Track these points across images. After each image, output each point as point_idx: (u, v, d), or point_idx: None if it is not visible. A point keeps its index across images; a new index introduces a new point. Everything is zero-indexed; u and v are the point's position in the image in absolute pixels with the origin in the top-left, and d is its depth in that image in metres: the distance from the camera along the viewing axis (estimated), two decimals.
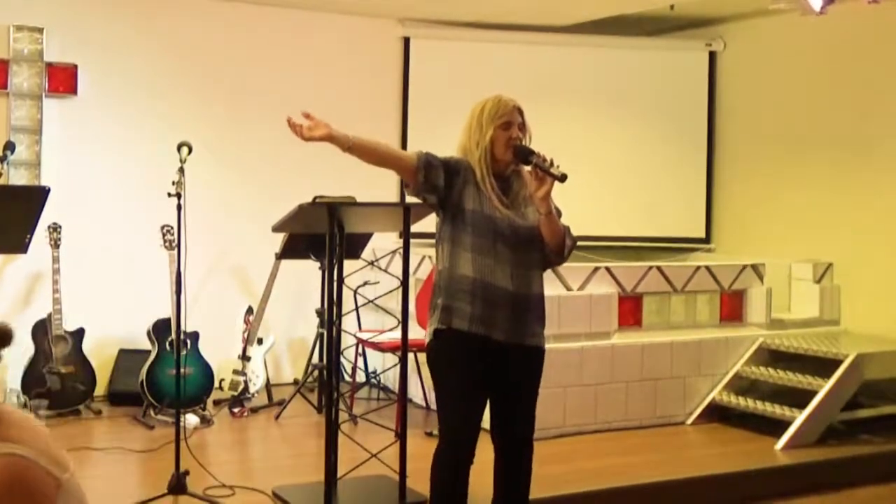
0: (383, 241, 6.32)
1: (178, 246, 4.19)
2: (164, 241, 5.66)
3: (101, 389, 5.89)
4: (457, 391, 3.41)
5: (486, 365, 3.40)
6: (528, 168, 3.42)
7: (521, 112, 3.45)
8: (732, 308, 6.15)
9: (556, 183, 3.31)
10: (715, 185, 7.44)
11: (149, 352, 5.65)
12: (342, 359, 5.71)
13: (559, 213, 3.47)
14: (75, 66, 6.07)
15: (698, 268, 6.08)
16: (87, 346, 5.74)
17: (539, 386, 3.55)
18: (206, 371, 5.71)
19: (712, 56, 7.44)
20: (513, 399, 3.49)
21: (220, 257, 6.48)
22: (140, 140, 6.26)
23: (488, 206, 3.38)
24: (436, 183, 3.37)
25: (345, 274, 4.21)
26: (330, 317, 4.13)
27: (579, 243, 3.60)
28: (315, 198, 4.16)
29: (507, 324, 3.38)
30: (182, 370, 4.37)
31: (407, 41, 7.12)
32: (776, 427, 5.40)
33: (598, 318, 5.62)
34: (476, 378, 3.40)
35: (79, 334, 5.69)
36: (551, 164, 3.32)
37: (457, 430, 3.40)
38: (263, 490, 4.29)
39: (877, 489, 5.00)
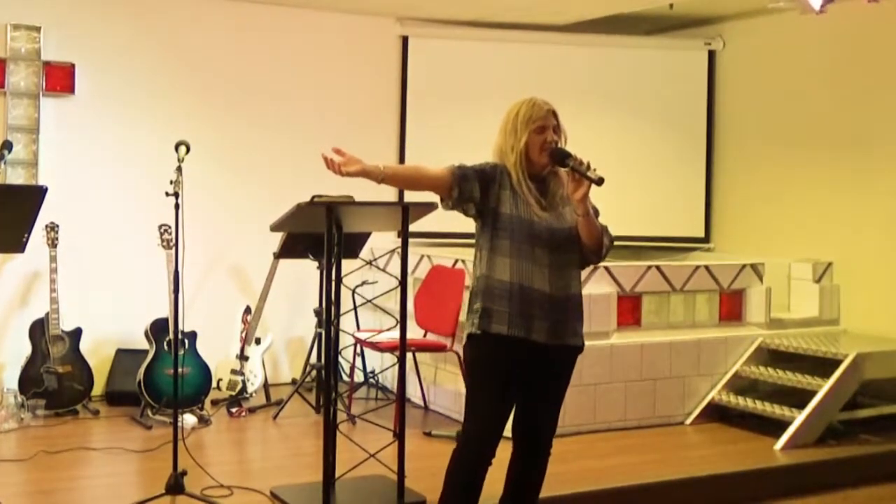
0: (382, 241, 6.31)
1: (176, 245, 4.20)
2: (162, 241, 5.64)
3: (98, 389, 5.89)
4: (490, 394, 3.42)
5: (524, 367, 3.41)
6: (564, 169, 3.42)
7: (555, 115, 3.47)
8: (732, 308, 6.13)
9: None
10: (714, 184, 7.43)
11: (146, 351, 5.64)
12: (340, 359, 5.71)
13: (597, 213, 3.49)
14: (73, 65, 6.06)
15: (697, 267, 6.07)
16: (85, 346, 5.73)
17: (567, 387, 3.56)
18: (204, 371, 5.69)
19: (711, 55, 7.43)
20: (543, 400, 3.51)
21: (217, 257, 6.47)
22: (138, 139, 6.25)
23: (525, 209, 3.38)
24: (472, 195, 3.38)
25: (343, 273, 4.20)
26: (328, 316, 4.11)
27: None
28: (313, 197, 4.15)
29: (546, 326, 3.38)
30: (180, 370, 4.36)
31: (405, 40, 7.11)
32: (775, 427, 5.39)
33: (597, 317, 5.61)
34: (510, 381, 3.42)
35: (76, 334, 5.68)
36: (588, 167, 3.33)
37: (485, 431, 3.41)
38: (261, 490, 4.28)
39: (877, 489, 5.00)
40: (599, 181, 3.29)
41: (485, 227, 3.45)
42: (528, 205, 3.38)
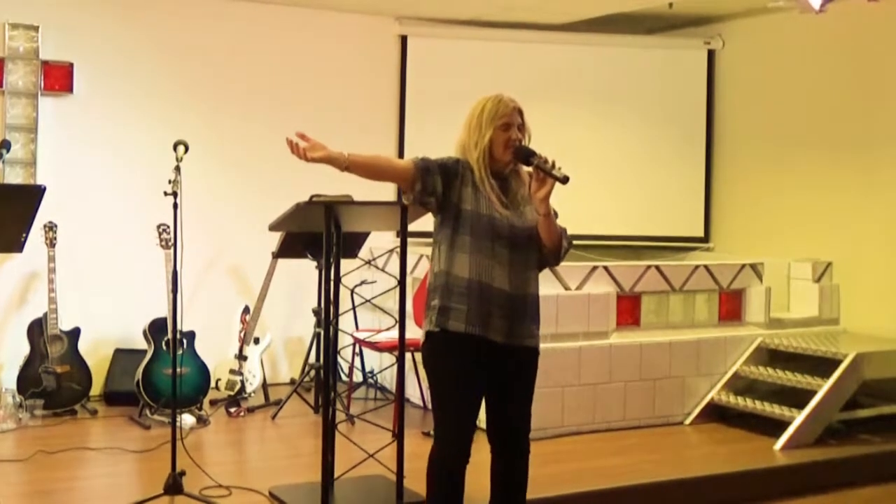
0: (380, 241, 6.30)
1: (175, 245, 4.19)
2: (161, 240, 5.63)
3: (96, 389, 5.87)
4: (452, 392, 3.40)
5: (483, 366, 3.39)
6: (527, 168, 3.41)
7: (520, 113, 3.44)
8: (731, 307, 6.13)
9: (557, 183, 3.30)
10: (714, 183, 7.43)
11: (145, 351, 5.63)
12: (339, 358, 5.70)
13: (556, 215, 3.46)
14: (71, 65, 6.05)
15: (697, 267, 6.06)
16: (83, 346, 5.72)
17: (534, 386, 3.54)
18: (203, 371, 5.68)
19: (711, 54, 7.42)
20: (509, 399, 3.48)
21: (216, 256, 6.46)
22: (136, 138, 6.24)
23: (487, 206, 3.37)
24: (434, 188, 3.37)
25: (342, 273, 4.19)
26: (327, 316, 4.10)
27: (577, 242, 3.59)
28: (312, 196, 4.14)
29: (504, 325, 3.37)
30: (178, 370, 4.35)
31: (404, 39, 7.11)
32: (775, 427, 5.39)
33: (596, 317, 5.60)
34: (471, 379, 3.40)
35: (74, 334, 5.67)
36: (553, 165, 3.31)
37: (453, 431, 3.40)
38: (260, 490, 4.27)
39: (876, 489, 4.99)
40: (564, 179, 3.27)
41: (445, 222, 3.44)
42: (490, 202, 3.37)
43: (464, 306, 3.34)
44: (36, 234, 5.37)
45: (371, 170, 3.44)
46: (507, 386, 3.46)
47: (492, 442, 3.54)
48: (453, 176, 3.39)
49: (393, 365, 4.68)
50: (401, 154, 7.03)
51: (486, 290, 3.34)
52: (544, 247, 3.44)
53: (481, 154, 3.39)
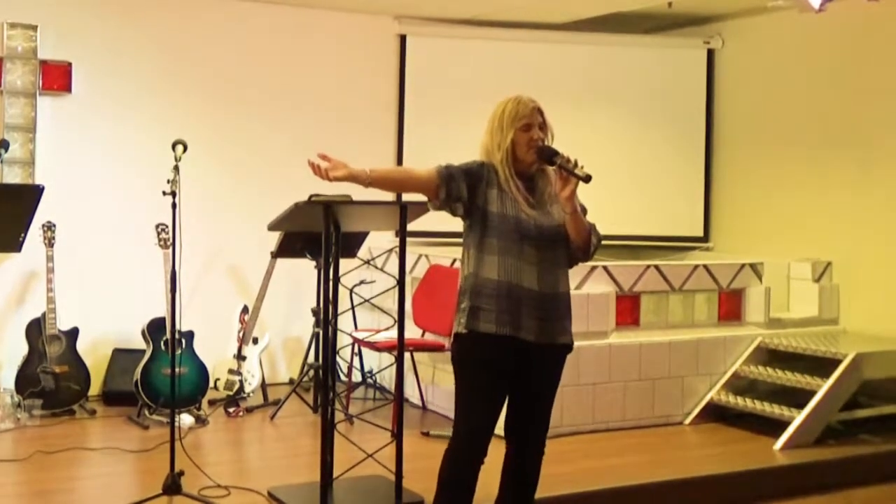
0: (379, 240, 6.30)
1: (173, 244, 4.19)
2: (159, 240, 5.62)
3: (95, 389, 5.87)
4: (479, 392, 3.42)
5: (513, 365, 3.41)
6: (552, 167, 3.42)
7: (541, 112, 3.46)
8: (731, 307, 6.12)
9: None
10: (713, 183, 7.42)
11: (143, 351, 5.62)
12: (338, 358, 5.69)
13: (584, 211, 3.49)
14: (69, 64, 6.04)
15: (696, 267, 6.06)
16: (82, 346, 5.71)
17: (559, 384, 3.56)
18: (202, 370, 5.67)
19: (710, 54, 7.41)
20: (534, 398, 3.51)
21: (215, 256, 6.45)
22: (135, 138, 6.23)
23: (513, 207, 3.38)
24: (460, 194, 3.38)
25: (341, 273, 4.18)
26: (326, 316, 4.09)
27: None
28: (311, 196, 4.13)
29: (535, 324, 3.38)
30: (177, 370, 4.35)
31: (403, 38, 7.10)
32: (775, 427, 5.38)
33: (595, 317, 5.59)
34: (499, 379, 3.42)
35: (73, 334, 5.66)
36: (575, 164, 3.33)
37: (475, 430, 3.42)
38: (259, 490, 4.26)
39: (876, 489, 4.99)
40: (587, 179, 3.29)
41: (473, 225, 3.45)
42: (516, 202, 3.39)
43: (494, 307, 3.36)
44: (34, 234, 5.35)
45: (394, 183, 3.51)
46: (533, 384, 3.48)
47: (509, 440, 3.56)
48: (477, 179, 3.40)
49: (392, 365, 4.68)
50: (400, 154, 7.02)
51: (515, 291, 3.35)
52: (573, 244, 3.46)
53: (505, 156, 3.40)
